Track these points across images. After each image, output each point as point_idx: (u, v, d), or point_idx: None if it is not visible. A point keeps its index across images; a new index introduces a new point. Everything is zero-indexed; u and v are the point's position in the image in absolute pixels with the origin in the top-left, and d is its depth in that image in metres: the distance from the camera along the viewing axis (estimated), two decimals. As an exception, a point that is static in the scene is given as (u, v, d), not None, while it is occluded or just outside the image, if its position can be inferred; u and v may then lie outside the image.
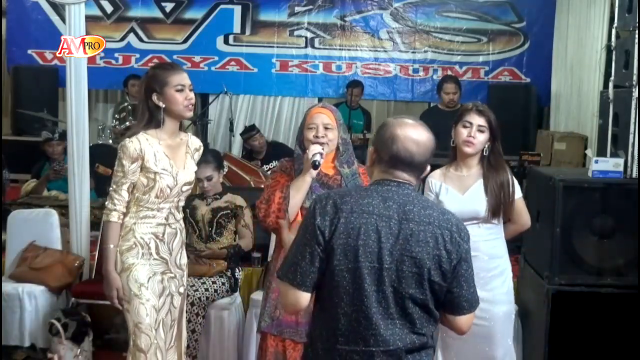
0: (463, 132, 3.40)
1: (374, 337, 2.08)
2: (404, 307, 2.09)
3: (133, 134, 3.20)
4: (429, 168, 2.23)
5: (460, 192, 3.41)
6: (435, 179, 3.48)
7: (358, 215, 2.07)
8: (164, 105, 3.17)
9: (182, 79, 3.19)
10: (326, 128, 3.14)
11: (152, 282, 3.21)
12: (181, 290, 3.33)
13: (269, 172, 5.86)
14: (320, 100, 8.58)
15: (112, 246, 3.20)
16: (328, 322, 2.12)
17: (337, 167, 3.20)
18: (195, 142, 3.39)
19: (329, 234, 2.07)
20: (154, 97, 3.17)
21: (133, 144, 3.15)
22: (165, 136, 3.23)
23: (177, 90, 3.17)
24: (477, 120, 3.38)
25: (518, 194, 3.46)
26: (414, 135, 2.14)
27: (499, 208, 3.37)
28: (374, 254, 2.06)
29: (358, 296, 2.07)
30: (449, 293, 2.15)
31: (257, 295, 4.29)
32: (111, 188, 3.23)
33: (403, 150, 2.12)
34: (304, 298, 2.13)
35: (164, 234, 3.26)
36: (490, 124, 3.39)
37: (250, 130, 7.05)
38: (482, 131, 3.38)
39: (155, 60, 8.26)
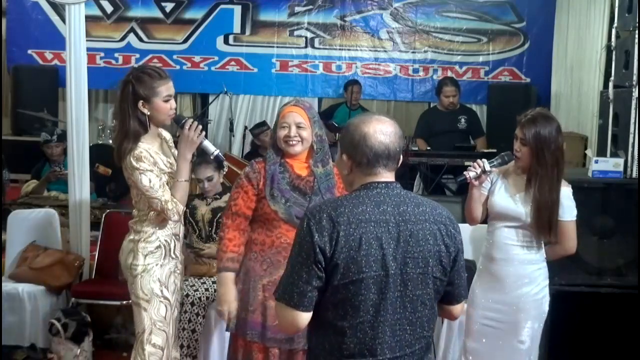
0: (514, 143, 3.33)
1: (381, 345, 2.04)
2: (412, 310, 2.06)
3: (132, 149, 3.11)
4: (401, 157, 2.20)
5: (512, 192, 3.33)
6: (497, 171, 3.43)
7: (356, 226, 2.01)
8: (149, 113, 3.14)
9: (169, 88, 3.16)
10: (299, 127, 3.04)
11: (169, 281, 3.24)
12: (179, 283, 3.35)
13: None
14: (320, 100, 8.60)
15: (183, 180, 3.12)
16: (331, 336, 2.07)
17: (312, 166, 3.09)
18: (167, 135, 3.38)
19: (330, 250, 1.98)
20: (140, 104, 3.12)
21: (143, 154, 3.10)
22: (153, 140, 3.23)
23: (165, 101, 3.15)
24: (519, 133, 3.27)
25: (567, 217, 3.26)
26: (382, 127, 2.12)
27: (542, 222, 3.22)
28: (377, 262, 2.01)
29: (364, 307, 2.02)
30: (450, 285, 2.16)
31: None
32: (156, 197, 3.07)
33: (378, 144, 2.09)
34: (303, 318, 2.05)
35: (179, 233, 3.30)
36: (525, 137, 3.22)
37: (261, 126, 7.05)
38: (524, 144, 3.25)
39: (155, 61, 8.28)
